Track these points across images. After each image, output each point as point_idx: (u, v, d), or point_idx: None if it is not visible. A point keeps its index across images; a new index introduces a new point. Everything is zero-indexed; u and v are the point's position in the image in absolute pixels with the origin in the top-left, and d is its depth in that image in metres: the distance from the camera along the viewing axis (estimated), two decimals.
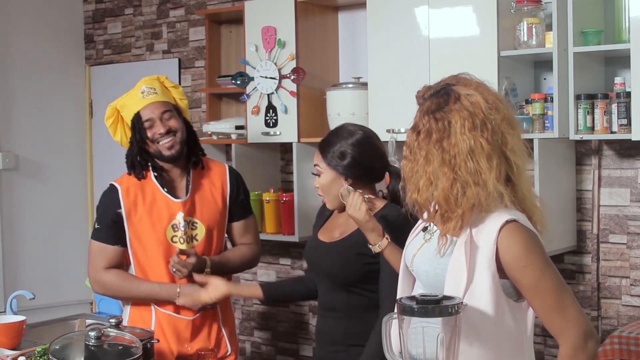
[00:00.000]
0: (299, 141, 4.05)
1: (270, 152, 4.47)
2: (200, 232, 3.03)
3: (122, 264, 3.06)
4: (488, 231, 1.94)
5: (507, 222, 1.92)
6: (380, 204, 2.66)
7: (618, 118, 3.22)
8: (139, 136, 3.01)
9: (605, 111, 3.25)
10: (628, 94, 3.19)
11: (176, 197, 3.03)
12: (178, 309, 3.02)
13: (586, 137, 3.31)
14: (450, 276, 1.95)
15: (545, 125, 3.37)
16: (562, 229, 3.52)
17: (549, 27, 3.36)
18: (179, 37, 5.01)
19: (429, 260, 2.03)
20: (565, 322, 1.91)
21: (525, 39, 3.39)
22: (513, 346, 1.99)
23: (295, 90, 4.04)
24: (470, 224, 1.96)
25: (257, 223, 3.34)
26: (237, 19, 4.49)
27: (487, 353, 1.94)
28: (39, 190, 5.23)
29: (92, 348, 2.38)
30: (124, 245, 3.01)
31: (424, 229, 2.13)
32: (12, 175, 5.11)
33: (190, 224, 3.02)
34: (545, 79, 3.61)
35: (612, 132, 3.26)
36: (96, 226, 3.05)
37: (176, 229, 3.00)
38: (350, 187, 2.59)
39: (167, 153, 2.99)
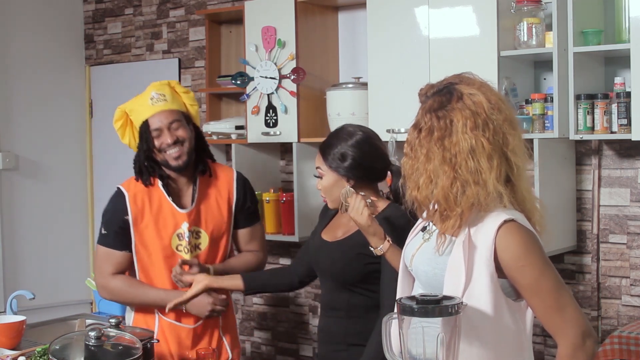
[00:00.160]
0: (299, 141, 4.05)
1: (270, 152, 4.47)
2: (204, 241, 3.03)
3: (128, 269, 3.05)
4: (486, 231, 1.94)
5: (506, 221, 1.92)
6: (382, 204, 2.67)
7: (618, 118, 3.22)
8: (146, 145, 2.98)
9: (605, 111, 3.25)
10: (628, 94, 3.19)
11: (182, 206, 3.03)
12: (179, 317, 3.03)
13: (586, 137, 3.31)
14: (448, 276, 1.95)
15: (545, 125, 3.37)
16: (562, 229, 3.52)
17: (549, 27, 3.36)
18: (179, 37, 5.01)
19: (428, 260, 2.03)
20: (564, 322, 1.91)
21: (525, 39, 3.39)
22: (512, 345, 1.99)
23: (295, 90, 4.04)
24: (469, 223, 1.96)
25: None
26: (237, 19, 4.49)
27: (486, 352, 1.95)
28: (39, 190, 5.23)
29: (92, 348, 2.38)
30: (131, 250, 3.02)
31: (423, 229, 2.13)
32: (12, 175, 5.11)
33: (194, 234, 3.02)
34: (545, 79, 3.61)
35: (612, 132, 3.26)
36: (103, 231, 3.05)
37: (181, 238, 3.00)
38: (352, 189, 2.60)
39: (174, 163, 2.97)
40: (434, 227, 2.05)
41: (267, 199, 4.19)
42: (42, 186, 5.25)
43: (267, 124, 4.13)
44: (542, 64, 3.58)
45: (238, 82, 4.19)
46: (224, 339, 3.10)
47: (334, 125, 3.78)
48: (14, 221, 5.12)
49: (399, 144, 3.38)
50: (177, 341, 3.03)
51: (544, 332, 3.63)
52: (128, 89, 5.21)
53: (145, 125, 2.98)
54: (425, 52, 3.57)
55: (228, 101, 4.65)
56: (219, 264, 3.06)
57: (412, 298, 1.85)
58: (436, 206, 2.00)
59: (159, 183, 3.02)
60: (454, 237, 1.98)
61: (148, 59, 5.17)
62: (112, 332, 2.50)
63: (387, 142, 3.56)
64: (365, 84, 3.85)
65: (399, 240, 2.40)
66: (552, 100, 3.33)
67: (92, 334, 2.38)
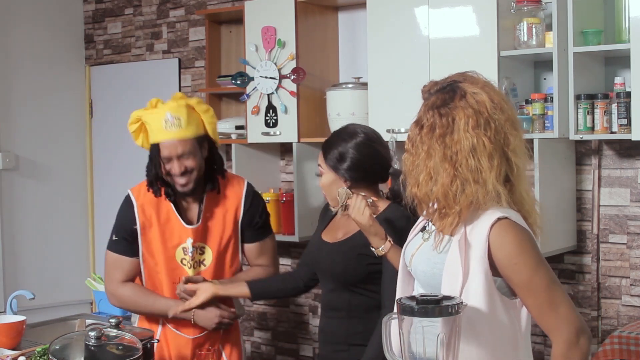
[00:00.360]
0: (299, 141, 4.05)
1: (270, 152, 4.47)
2: (209, 257, 3.02)
3: (138, 275, 3.05)
4: (480, 229, 1.94)
5: (499, 219, 1.93)
6: (383, 204, 2.67)
7: (618, 118, 3.22)
8: (154, 169, 2.94)
9: (605, 111, 3.25)
10: (628, 94, 3.19)
11: (189, 221, 3.01)
12: (181, 326, 3.02)
13: (586, 137, 3.31)
14: (446, 275, 1.96)
15: (545, 125, 3.37)
16: (562, 229, 3.52)
17: (549, 27, 3.36)
18: (179, 37, 5.01)
19: (427, 260, 2.04)
20: (558, 320, 1.91)
21: (525, 39, 3.39)
22: (508, 343, 1.99)
23: (295, 90, 4.04)
24: (465, 221, 1.96)
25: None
26: (237, 19, 4.49)
27: (482, 350, 1.95)
28: (39, 190, 5.23)
29: (92, 348, 2.38)
30: (139, 257, 3.02)
31: (423, 229, 2.13)
32: (12, 175, 5.11)
33: (198, 249, 3.01)
34: (545, 79, 3.61)
35: (612, 132, 3.26)
36: (113, 238, 3.05)
37: (185, 253, 2.99)
38: (349, 190, 2.60)
39: (181, 189, 2.95)
40: (433, 227, 2.06)
41: (267, 199, 4.19)
42: (42, 186, 5.25)
43: (267, 124, 4.13)
44: (542, 64, 3.58)
45: (238, 82, 4.19)
46: (223, 352, 3.08)
47: (334, 126, 3.78)
48: (14, 221, 5.12)
49: (399, 144, 3.38)
50: (177, 349, 3.03)
51: (544, 332, 3.63)
52: (128, 89, 5.24)
53: (155, 148, 2.92)
54: (425, 52, 3.57)
55: (228, 101, 4.65)
56: (224, 279, 3.02)
57: (412, 298, 1.85)
58: (435, 205, 2.00)
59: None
60: (451, 236, 1.98)
61: (148, 59, 5.17)
62: (112, 332, 2.50)
63: (387, 142, 3.57)
64: (365, 84, 3.85)
65: (400, 240, 2.40)
66: (552, 100, 3.33)
67: (92, 334, 2.38)
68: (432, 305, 1.80)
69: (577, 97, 3.29)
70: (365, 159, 2.65)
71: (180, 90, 4.94)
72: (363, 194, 2.51)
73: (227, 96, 4.64)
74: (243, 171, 4.00)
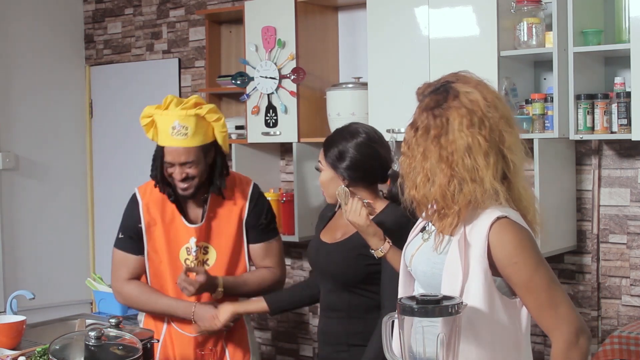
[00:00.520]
0: (299, 141, 4.05)
1: (270, 152, 4.47)
2: (212, 257, 3.02)
3: (144, 273, 3.06)
4: (479, 228, 1.94)
5: (498, 218, 1.93)
6: (381, 204, 2.67)
7: (618, 118, 3.22)
8: (157, 169, 2.95)
9: (605, 111, 3.25)
10: (628, 94, 3.19)
11: (193, 221, 3.02)
12: (183, 325, 3.02)
13: (586, 137, 3.31)
14: (446, 275, 1.96)
15: (545, 125, 3.37)
16: (562, 229, 3.52)
17: (549, 27, 3.36)
18: (179, 37, 5.01)
19: (427, 260, 2.04)
20: (557, 319, 1.91)
21: (525, 39, 3.39)
22: (508, 343, 1.99)
23: (295, 90, 4.04)
24: (465, 221, 1.96)
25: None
26: (237, 19, 4.48)
27: (482, 350, 1.95)
28: (39, 190, 5.23)
29: (92, 348, 2.38)
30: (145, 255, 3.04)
31: (422, 230, 2.13)
32: (12, 175, 5.11)
33: (202, 249, 3.01)
34: (545, 79, 3.61)
35: (612, 132, 3.26)
36: (120, 235, 3.07)
37: (189, 252, 3.00)
38: (347, 189, 2.61)
39: (182, 193, 2.96)
40: (433, 228, 2.06)
41: (268, 198, 4.18)
42: (42, 186, 5.25)
43: (267, 124, 4.13)
44: (542, 64, 3.58)
45: (238, 82, 4.18)
46: (226, 350, 3.07)
47: (334, 126, 3.78)
48: (14, 221, 5.12)
49: (399, 144, 3.37)
50: (180, 348, 3.03)
51: (544, 331, 3.63)
52: (128, 89, 5.24)
53: (160, 150, 2.93)
54: (425, 52, 3.57)
55: (228, 101, 4.65)
56: (229, 276, 3.01)
57: (412, 298, 1.85)
58: (434, 206, 2.00)
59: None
60: (451, 237, 1.98)
61: (148, 59, 5.17)
62: (112, 332, 2.49)
63: (388, 142, 3.57)
64: (365, 84, 3.85)
65: (398, 241, 2.40)
66: (552, 100, 3.33)
67: (92, 334, 2.38)
68: (432, 305, 1.80)
69: (577, 97, 3.29)
70: (365, 159, 2.65)
71: (180, 90, 4.95)
72: (359, 196, 2.51)
73: (227, 96, 4.64)
74: (243, 171, 3.97)
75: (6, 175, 5.08)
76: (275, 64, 4.07)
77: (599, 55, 3.41)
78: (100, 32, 5.43)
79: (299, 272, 4.50)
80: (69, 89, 5.40)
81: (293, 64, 4.03)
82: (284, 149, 4.50)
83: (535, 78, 3.64)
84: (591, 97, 3.28)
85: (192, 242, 2.98)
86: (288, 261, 4.55)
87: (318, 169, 2.74)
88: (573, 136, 3.32)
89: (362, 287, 2.64)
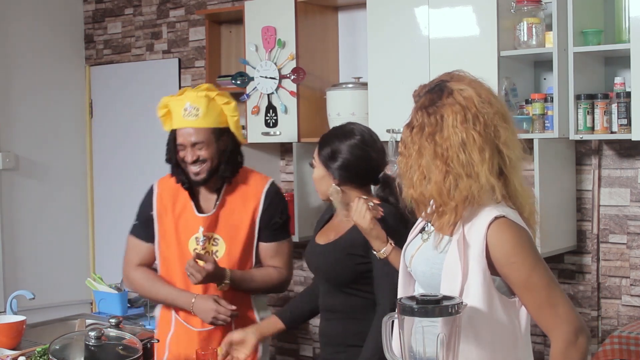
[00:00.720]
0: (299, 141, 4.05)
1: (270, 152, 4.47)
2: (221, 249, 3.02)
3: (154, 262, 3.10)
4: (477, 228, 1.94)
5: (496, 218, 1.93)
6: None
7: (618, 118, 3.22)
8: (170, 154, 3.01)
9: (605, 111, 3.25)
10: (628, 94, 3.19)
11: (203, 210, 3.03)
12: (188, 318, 3.02)
13: (586, 137, 3.31)
14: (445, 275, 1.96)
15: (545, 125, 3.37)
16: (562, 229, 3.52)
17: (549, 27, 3.36)
18: (179, 37, 5.01)
19: (426, 261, 2.04)
20: (556, 318, 1.91)
21: (525, 39, 3.39)
22: (507, 342, 1.99)
23: (295, 90, 4.04)
24: (463, 220, 1.96)
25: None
26: (237, 19, 4.48)
27: (481, 349, 1.95)
28: (39, 190, 5.23)
29: (92, 348, 2.38)
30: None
31: (422, 230, 2.13)
32: (12, 175, 5.11)
33: (211, 240, 3.01)
34: (545, 79, 3.61)
35: (612, 132, 3.26)
36: (135, 222, 3.12)
37: (197, 243, 3.01)
38: (338, 188, 2.65)
39: (194, 178, 2.98)
40: (432, 228, 2.06)
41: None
42: (42, 186, 5.25)
43: (267, 124, 4.13)
44: (542, 64, 3.58)
45: (238, 82, 4.18)
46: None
47: (334, 126, 3.77)
48: (14, 221, 5.12)
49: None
50: (186, 341, 3.02)
51: (543, 331, 3.63)
52: (128, 89, 5.24)
53: (173, 134, 2.99)
54: (425, 52, 3.57)
55: None
56: (237, 270, 3.01)
57: (412, 298, 1.85)
58: (433, 206, 2.01)
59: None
60: (450, 236, 1.98)
61: (148, 59, 5.17)
62: (112, 332, 2.50)
63: (386, 142, 3.57)
64: (365, 84, 3.85)
65: (391, 239, 2.43)
66: (552, 100, 3.33)
67: (92, 334, 2.38)
68: (432, 305, 1.80)
69: (577, 97, 3.29)
70: (356, 161, 2.67)
71: None
72: (365, 197, 2.52)
73: None
74: None
75: (6, 175, 5.08)
76: (275, 64, 4.07)
77: (599, 55, 3.41)
78: (100, 32, 5.43)
79: (299, 272, 4.50)
80: (69, 89, 5.40)
81: (293, 64, 4.03)
82: (284, 149, 4.50)
83: (535, 78, 3.64)
84: (591, 97, 3.28)
85: (200, 232, 3.00)
86: None
87: (312, 166, 2.76)
88: (573, 136, 3.32)
89: (355, 287, 2.65)
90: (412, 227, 2.22)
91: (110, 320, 2.59)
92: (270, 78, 4.09)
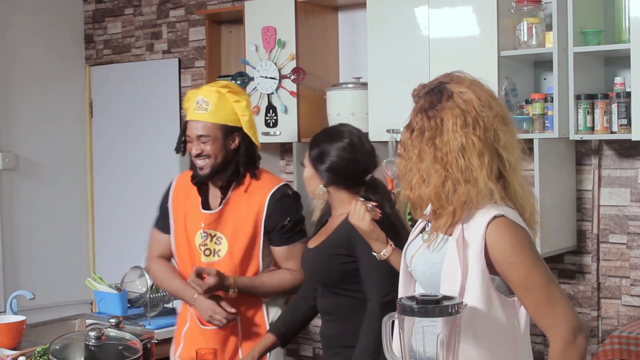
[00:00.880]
0: (299, 141, 4.05)
1: (270, 152, 4.47)
2: (223, 248, 3.01)
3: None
4: (476, 227, 1.94)
5: (495, 217, 1.93)
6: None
7: (618, 118, 3.22)
8: (179, 147, 3.07)
9: (605, 111, 3.25)
10: (628, 94, 3.19)
11: (210, 207, 3.04)
12: (199, 315, 3.04)
13: (586, 137, 3.31)
14: (445, 275, 1.96)
15: (545, 125, 3.37)
16: (562, 229, 3.52)
17: (549, 27, 3.36)
18: (179, 37, 5.01)
19: (426, 260, 2.04)
20: (555, 318, 1.91)
21: (525, 39, 3.39)
22: (506, 342, 1.99)
23: (295, 90, 4.04)
24: (462, 220, 1.96)
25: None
26: (237, 19, 4.49)
27: (480, 349, 1.95)
28: (39, 190, 5.23)
29: (92, 348, 2.38)
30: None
31: (422, 230, 2.13)
32: (12, 175, 5.11)
33: (213, 238, 3.01)
34: (545, 79, 3.61)
35: (612, 132, 3.26)
36: (157, 214, 3.18)
37: (203, 238, 3.02)
38: (324, 189, 2.69)
39: (198, 172, 2.99)
40: None
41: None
42: (42, 186, 5.25)
43: (267, 124, 4.13)
44: (542, 64, 3.58)
45: (238, 82, 4.18)
46: (239, 350, 3.05)
47: None
48: (14, 221, 5.12)
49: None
50: (199, 337, 3.03)
51: (541, 330, 3.63)
52: (128, 89, 5.24)
53: (184, 126, 3.03)
54: (425, 52, 3.57)
55: None
56: (244, 277, 2.99)
57: (412, 298, 1.85)
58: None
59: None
60: (448, 236, 1.98)
61: (148, 59, 5.17)
62: (112, 332, 2.50)
63: (386, 142, 3.57)
64: (365, 84, 3.85)
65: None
66: (552, 100, 3.33)
67: (92, 334, 2.38)
68: (432, 305, 1.80)
69: (577, 97, 3.29)
70: (343, 164, 2.68)
71: (180, 91, 4.94)
72: (362, 199, 2.52)
73: None
74: None
75: (6, 175, 5.08)
76: (275, 64, 4.07)
77: (599, 55, 3.41)
78: (100, 32, 5.43)
79: None
80: (69, 88, 5.39)
81: (293, 64, 4.03)
82: (284, 149, 4.50)
83: (535, 78, 3.64)
84: (591, 97, 3.28)
85: (201, 228, 3.02)
86: None
87: (303, 165, 2.79)
88: (573, 136, 3.32)
89: (344, 287, 2.66)
90: (399, 229, 2.23)
91: (110, 320, 2.59)
92: (270, 78, 4.09)
